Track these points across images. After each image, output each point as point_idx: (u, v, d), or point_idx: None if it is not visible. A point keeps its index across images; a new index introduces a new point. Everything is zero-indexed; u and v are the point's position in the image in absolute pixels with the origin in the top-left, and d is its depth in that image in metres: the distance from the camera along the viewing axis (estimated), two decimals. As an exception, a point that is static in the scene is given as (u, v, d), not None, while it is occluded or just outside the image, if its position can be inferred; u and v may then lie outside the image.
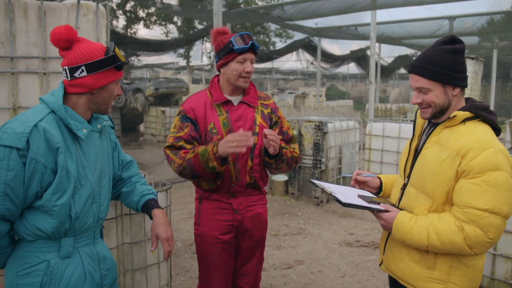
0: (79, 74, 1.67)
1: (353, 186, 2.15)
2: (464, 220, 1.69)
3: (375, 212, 1.86)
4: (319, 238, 5.36)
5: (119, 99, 13.85)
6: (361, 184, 2.12)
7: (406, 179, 1.94)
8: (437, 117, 1.86)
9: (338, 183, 7.17)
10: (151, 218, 1.94)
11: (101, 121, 1.84)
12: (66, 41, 1.67)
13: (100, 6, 3.42)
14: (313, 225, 5.90)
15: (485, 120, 1.78)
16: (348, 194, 1.91)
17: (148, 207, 1.95)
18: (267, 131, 2.27)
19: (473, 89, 9.40)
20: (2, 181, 1.54)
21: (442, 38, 1.84)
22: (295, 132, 7.06)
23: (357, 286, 4.06)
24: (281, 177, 7.31)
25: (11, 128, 1.57)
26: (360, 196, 1.91)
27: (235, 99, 2.48)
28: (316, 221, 6.07)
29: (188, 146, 2.37)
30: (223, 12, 13.80)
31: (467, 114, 1.76)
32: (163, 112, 13.88)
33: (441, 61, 1.77)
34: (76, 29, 3.38)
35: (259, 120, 2.47)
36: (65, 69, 1.69)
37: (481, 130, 1.75)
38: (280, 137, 2.44)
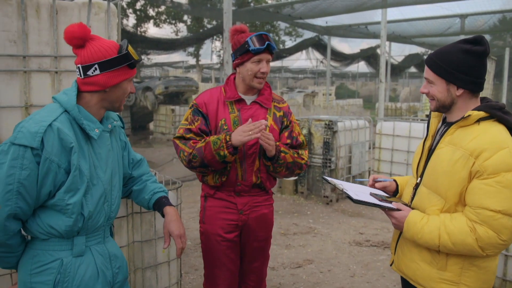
0: (92, 73, 1.68)
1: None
2: (477, 221, 1.67)
3: (387, 210, 1.85)
4: (328, 237, 5.35)
5: (129, 98, 13.92)
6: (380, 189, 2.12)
7: (419, 178, 1.92)
8: (441, 111, 1.87)
9: (348, 171, 7.14)
10: (163, 215, 1.94)
11: (112, 121, 1.85)
12: (79, 39, 1.67)
13: (111, 4, 3.44)
14: (323, 224, 5.88)
15: (500, 120, 1.75)
16: (360, 191, 1.91)
17: (160, 204, 1.96)
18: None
19: (484, 88, 9.31)
20: (16, 179, 1.55)
21: (469, 37, 1.79)
22: (305, 131, 7.06)
23: (366, 286, 4.05)
24: (291, 176, 7.29)
25: (26, 128, 1.57)
26: (372, 194, 1.90)
27: (249, 99, 2.48)
28: (325, 220, 6.05)
29: (197, 139, 2.38)
30: (233, 10, 13.80)
31: (481, 114, 1.73)
32: (173, 110, 13.92)
33: (451, 58, 1.75)
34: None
35: (270, 122, 2.47)
36: (79, 67, 1.70)
37: (495, 130, 1.72)
38: (277, 142, 2.42)
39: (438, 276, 1.81)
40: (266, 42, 2.33)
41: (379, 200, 1.85)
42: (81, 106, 1.70)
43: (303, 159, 2.52)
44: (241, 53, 2.37)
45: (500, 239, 1.65)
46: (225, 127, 2.39)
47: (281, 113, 2.54)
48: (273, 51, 2.40)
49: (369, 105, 27.73)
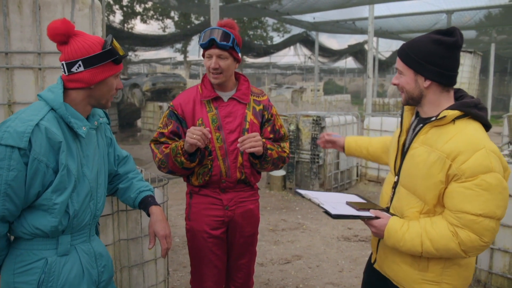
0: (76, 69, 1.64)
1: (324, 147, 2.41)
2: (458, 225, 1.63)
3: (366, 220, 1.80)
4: (317, 233, 5.36)
5: (117, 95, 13.79)
6: (328, 143, 2.30)
7: (397, 176, 1.88)
8: (411, 104, 1.83)
9: (336, 178, 7.17)
10: (148, 215, 1.92)
11: (98, 117, 1.82)
12: (62, 35, 1.64)
13: (96, 0, 3.40)
14: (311, 220, 5.90)
15: (475, 118, 1.70)
16: (336, 202, 1.86)
17: (146, 204, 1.93)
18: (240, 140, 2.25)
19: (471, 83, 9.39)
20: (3, 181, 1.51)
21: (443, 29, 1.75)
22: (293, 127, 7.07)
23: (355, 280, 4.06)
24: (279, 172, 7.30)
25: (12, 127, 1.53)
26: (348, 203, 1.86)
27: (226, 95, 2.45)
28: (314, 216, 6.07)
29: (170, 143, 2.38)
30: (220, 6, 13.73)
31: (456, 113, 1.68)
32: (161, 107, 13.82)
33: (420, 48, 1.70)
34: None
35: (249, 116, 2.44)
36: (63, 64, 1.66)
37: (471, 130, 1.66)
38: (263, 139, 2.41)
39: (420, 277, 1.79)
40: (209, 37, 2.27)
41: (357, 210, 1.80)
42: (68, 104, 1.66)
43: (285, 152, 2.52)
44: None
45: (482, 242, 1.62)
46: (203, 127, 2.34)
47: (261, 107, 2.51)
48: (223, 47, 2.29)
49: (357, 101, 27.86)
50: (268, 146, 2.40)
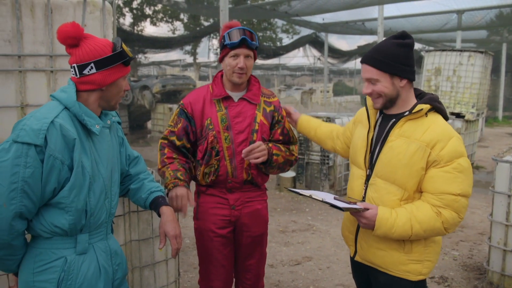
0: (88, 71, 1.67)
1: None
2: (441, 206, 1.84)
3: (356, 212, 1.91)
4: (327, 234, 5.35)
5: (127, 96, 13.89)
6: (286, 112, 2.52)
7: (369, 170, 2.01)
8: (387, 107, 1.97)
9: (346, 179, 7.14)
10: (159, 215, 1.93)
11: (110, 117, 1.85)
12: (73, 38, 1.66)
13: (107, 3, 3.43)
14: (321, 221, 5.88)
15: (438, 111, 1.93)
16: (327, 198, 1.95)
17: (156, 204, 1.95)
18: (244, 152, 2.28)
19: (482, 84, 9.30)
20: (20, 178, 1.53)
21: (394, 34, 1.95)
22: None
23: (365, 282, 4.04)
24: (289, 174, 7.30)
25: (28, 125, 1.56)
26: (337, 199, 1.95)
27: (236, 95, 2.46)
28: (324, 217, 6.05)
29: (178, 143, 2.43)
30: (229, 8, 13.76)
31: (428, 107, 1.89)
32: (170, 109, 13.88)
33: (390, 53, 1.87)
34: (82, 26, 3.38)
35: (259, 117, 2.44)
36: (74, 66, 1.69)
37: (441, 121, 1.91)
38: (270, 144, 2.43)
39: (406, 258, 1.95)
40: (241, 37, 2.29)
41: (348, 203, 1.91)
42: (81, 103, 1.69)
43: (293, 155, 2.52)
44: (221, 48, 2.38)
45: (459, 218, 1.86)
46: (211, 127, 2.38)
47: (272, 108, 2.51)
48: (252, 46, 2.34)
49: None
50: (274, 152, 2.40)
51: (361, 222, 1.92)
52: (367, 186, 2.02)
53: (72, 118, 1.65)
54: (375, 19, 14.48)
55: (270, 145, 2.41)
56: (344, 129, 2.41)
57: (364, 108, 2.14)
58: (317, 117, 7.02)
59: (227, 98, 2.43)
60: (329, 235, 5.29)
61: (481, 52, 9.20)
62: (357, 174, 2.08)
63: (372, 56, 1.91)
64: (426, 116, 1.90)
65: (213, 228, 2.42)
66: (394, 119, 1.95)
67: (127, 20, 23.49)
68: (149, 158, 10.69)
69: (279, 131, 2.50)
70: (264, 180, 2.55)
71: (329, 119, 6.84)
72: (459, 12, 16.32)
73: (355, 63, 33.96)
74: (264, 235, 2.59)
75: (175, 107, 13.85)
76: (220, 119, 2.39)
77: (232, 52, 2.33)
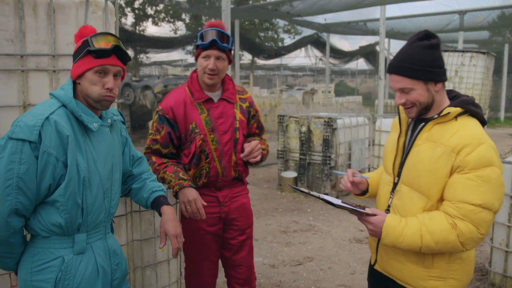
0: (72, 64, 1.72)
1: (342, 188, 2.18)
2: (457, 216, 1.67)
3: (364, 216, 1.79)
4: (328, 234, 5.34)
5: (128, 96, 13.89)
6: (354, 185, 2.08)
7: (396, 177, 1.89)
8: (423, 115, 1.82)
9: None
10: (160, 215, 1.93)
11: (111, 115, 1.84)
12: (77, 38, 1.74)
13: (109, 3, 3.43)
14: (323, 221, 5.88)
15: (473, 114, 1.78)
16: (334, 200, 1.86)
17: (157, 203, 1.95)
18: (245, 154, 2.40)
19: (484, 84, 9.30)
20: (15, 174, 1.53)
21: (416, 35, 1.79)
22: (304, 129, 7.05)
23: (367, 283, 4.04)
24: (290, 174, 7.30)
25: (23, 122, 1.56)
26: (345, 202, 1.85)
27: (215, 95, 2.48)
28: (325, 218, 6.05)
29: (164, 151, 2.41)
30: (231, 8, 13.75)
31: (459, 110, 1.75)
32: (172, 109, 13.89)
33: (419, 58, 1.73)
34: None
35: (238, 115, 2.51)
36: None
37: (472, 125, 1.74)
38: (258, 139, 2.60)
39: (426, 274, 1.81)
40: (211, 38, 2.28)
41: (354, 207, 1.79)
42: (79, 101, 1.70)
43: (267, 145, 2.68)
44: (196, 48, 2.38)
45: (479, 233, 1.66)
46: (197, 130, 2.39)
47: (247, 103, 2.58)
48: (224, 49, 2.32)
49: (368, 102, 27.72)
50: (263, 147, 2.52)
51: (368, 228, 1.81)
52: (393, 194, 1.90)
53: (69, 115, 1.65)
54: (377, 20, 14.46)
55: (258, 141, 2.52)
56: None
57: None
58: (319, 117, 7.02)
59: (208, 100, 2.44)
60: (331, 236, 5.29)
61: (483, 53, 9.20)
62: (385, 180, 1.97)
63: (401, 65, 1.75)
64: (456, 120, 1.76)
65: (204, 226, 2.46)
66: (423, 123, 1.82)
67: (129, 20, 23.52)
68: (150, 158, 10.70)
69: (255, 125, 2.63)
70: (247, 175, 2.66)
71: (330, 119, 6.83)
72: (461, 13, 16.29)
73: (357, 64, 33.95)
74: (251, 228, 2.68)
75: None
76: (205, 122, 2.40)
77: (204, 53, 2.34)
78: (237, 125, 2.48)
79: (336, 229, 5.52)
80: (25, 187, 1.56)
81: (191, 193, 2.25)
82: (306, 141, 7.10)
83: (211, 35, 2.30)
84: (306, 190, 1.92)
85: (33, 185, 1.57)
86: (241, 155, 2.44)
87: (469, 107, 1.76)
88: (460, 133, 1.71)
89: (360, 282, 4.04)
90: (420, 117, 1.84)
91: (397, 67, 1.76)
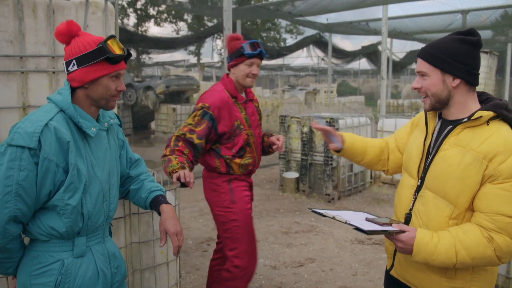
0: (71, 68, 1.65)
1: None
2: (493, 229, 1.57)
3: (394, 235, 1.67)
4: (330, 235, 5.32)
5: (130, 97, 13.89)
6: (325, 134, 2.12)
7: (419, 181, 1.79)
8: (437, 109, 1.75)
9: (349, 180, 7.10)
10: (159, 214, 1.91)
11: (108, 119, 1.82)
12: (64, 35, 1.66)
13: (109, 3, 3.42)
14: (324, 222, 5.85)
15: (506, 119, 1.65)
16: (357, 219, 1.77)
17: (156, 203, 1.92)
18: (279, 146, 2.93)
19: (487, 84, 9.25)
20: (14, 181, 1.52)
21: (462, 30, 1.73)
22: (306, 129, 7.03)
23: (369, 284, 4.02)
24: (292, 174, 7.27)
25: (22, 128, 1.55)
26: (369, 219, 1.77)
27: (243, 97, 2.93)
28: (327, 219, 6.01)
29: (197, 141, 2.66)
30: (233, 8, 13.73)
31: (491, 114, 1.63)
32: (174, 109, 13.90)
33: (446, 47, 1.67)
34: (85, 27, 3.37)
35: (257, 113, 3.03)
36: (63, 64, 1.71)
37: (505, 131, 1.62)
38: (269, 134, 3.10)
39: (448, 285, 1.73)
40: (258, 49, 2.76)
41: (381, 225, 1.70)
42: (76, 105, 1.68)
43: None
44: (236, 56, 2.78)
45: None
46: (241, 127, 2.82)
47: (257, 103, 3.08)
48: (264, 57, 2.83)
49: (370, 102, 27.68)
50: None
51: (398, 246, 1.69)
52: (416, 198, 1.80)
53: (68, 120, 1.63)
54: (379, 19, 14.42)
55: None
56: (396, 138, 2.14)
57: (423, 111, 1.91)
58: (321, 117, 6.98)
59: (245, 101, 2.90)
60: (333, 236, 5.26)
61: (486, 52, 9.15)
62: (407, 183, 1.86)
63: (427, 50, 1.71)
64: (488, 125, 1.64)
65: (248, 206, 2.90)
66: (451, 126, 1.71)
67: (131, 20, 23.55)
68: (152, 158, 10.70)
69: (260, 122, 3.09)
70: None
71: (332, 120, 6.80)
72: (464, 12, 16.24)
73: (359, 63, 33.93)
74: None
75: (178, 107, 13.86)
76: (245, 119, 2.85)
77: (248, 61, 2.76)
78: (259, 121, 3.01)
79: (337, 230, 5.49)
80: (24, 194, 1.54)
81: (187, 171, 2.32)
82: (308, 142, 7.08)
83: (257, 46, 2.77)
84: (331, 215, 1.76)
85: (32, 192, 1.55)
86: (274, 147, 2.95)
87: (501, 112, 1.64)
88: (492, 139, 1.60)
89: (362, 284, 4.02)
90: (447, 119, 1.75)
91: (423, 50, 1.73)
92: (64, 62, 1.70)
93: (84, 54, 1.64)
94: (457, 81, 1.67)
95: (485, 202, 1.59)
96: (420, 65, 1.73)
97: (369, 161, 2.16)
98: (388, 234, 1.68)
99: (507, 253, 1.58)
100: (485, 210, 1.59)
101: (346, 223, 1.67)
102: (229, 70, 2.90)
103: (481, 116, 1.62)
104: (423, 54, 1.73)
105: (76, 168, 1.61)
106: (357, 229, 1.62)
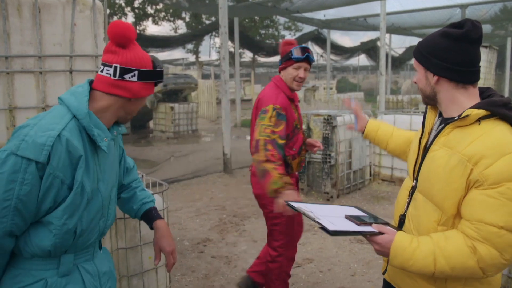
0: (130, 77, 1.56)
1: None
2: (477, 238, 1.43)
3: (368, 236, 1.58)
4: (328, 235, 5.23)
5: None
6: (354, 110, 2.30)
7: (415, 181, 1.70)
8: (429, 104, 1.69)
9: (348, 178, 7.03)
10: (151, 228, 1.84)
11: (116, 128, 1.71)
12: (128, 38, 1.56)
13: (97, 1, 3.33)
14: (323, 221, 5.77)
15: (504, 118, 1.50)
16: (334, 215, 1.67)
17: (150, 217, 1.85)
18: (317, 148, 3.18)
19: (486, 79, 9.16)
20: (15, 195, 1.37)
21: (457, 22, 1.60)
22: (304, 127, 6.94)
23: (368, 285, 3.94)
24: (290, 173, 7.19)
25: (31, 137, 1.38)
26: (348, 217, 1.65)
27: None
28: (326, 217, 5.94)
29: (280, 141, 2.81)
30: (231, 6, 13.64)
31: (481, 112, 1.48)
32: (172, 108, 13.82)
33: (427, 42, 1.61)
34: (72, 26, 3.29)
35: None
36: (116, 66, 1.55)
37: (498, 132, 1.46)
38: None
39: None
40: (306, 54, 2.89)
41: (358, 225, 1.59)
42: (92, 112, 1.54)
43: None
44: (286, 60, 2.95)
45: (503, 259, 1.42)
46: (298, 126, 3.07)
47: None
48: (312, 62, 2.97)
49: (370, 98, 27.58)
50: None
51: (374, 248, 1.60)
52: (410, 200, 1.71)
53: (81, 129, 1.49)
54: (378, 15, 14.32)
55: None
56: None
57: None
58: (318, 115, 6.91)
59: (294, 101, 3.06)
60: (331, 236, 5.18)
61: (486, 47, 9.06)
62: (406, 184, 1.78)
63: (417, 45, 1.66)
64: (479, 124, 1.49)
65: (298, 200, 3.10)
66: (442, 125, 1.61)
67: (129, 19, 23.43)
68: (150, 158, 10.63)
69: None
70: None
71: (330, 117, 6.72)
72: (463, 7, 16.13)
73: (359, 60, 33.82)
74: None
75: (177, 106, 13.78)
76: (298, 120, 3.07)
77: (296, 65, 2.91)
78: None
79: (336, 229, 5.41)
80: (23, 209, 1.40)
81: (293, 195, 2.46)
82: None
83: (305, 51, 2.89)
84: (302, 211, 1.67)
85: (32, 207, 1.41)
86: (315, 149, 3.18)
87: (496, 109, 1.48)
88: (480, 141, 1.46)
89: (360, 284, 3.94)
90: (445, 117, 1.64)
91: (416, 45, 1.69)
92: (118, 65, 1.56)
93: (148, 71, 1.60)
94: (436, 77, 1.59)
95: (469, 208, 1.46)
96: (414, 60, 1.70)
97: (392, 150, 2.18)
98: (362, 234, 1.57)
99: (492, 266, 1.44)
100: (469, 217, 1.46)
101: (314, 220, 1.56)
102: (279, 72, 3.06)
103: (468, 115, 1.49)
104: (415, 49, 1.69)
105: (81, 185, 1.48)
106: (323, 228, 1.52)
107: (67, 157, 1.43)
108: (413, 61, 1.71)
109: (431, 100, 1.66)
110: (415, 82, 1.71)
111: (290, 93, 2.99)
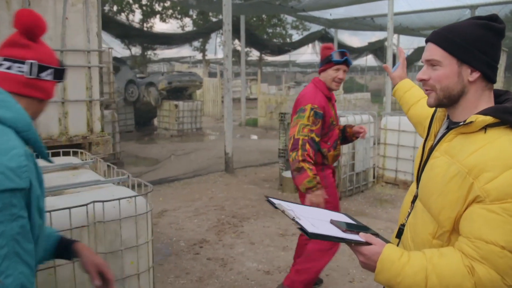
0: (46, 76, 1.38)
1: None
2: (476, 258, 1.26)
3: (352, 245, 1.39)
4: (328, 238, 5.12)
5: (132, 93, 13.75)
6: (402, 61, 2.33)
7: (417, 188, 1.53)
8: (444, 106, 1.45)
9: (351, 180, 6.89)
10: (70, 256, 1.56)
11: None
12: (42, 30, 1.39)
13: (90, -5, 3.24)
14: (324, 224, 5.65)
15: None
16: (318, 219, 1.50)
17: (67, 242, 1.55)
18: (363, 134, 3.41)
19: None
20: (10, 237, 1.14)
21: (483, 15, 1.41)
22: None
23: (366, 291, 3.82)
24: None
25: (2, 164, 1.15)
26: (333, 222, 1.47)
27: None
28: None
29: (317, 139, 3.14)
30: (238, 4, 13.52)
31: (488, 119, 1.31)
32: (176, 106, 13.74)
33: (466, 32, 1.35)
34: (63, 19, 3.20)
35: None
36: (32, 63, 1.34)
37: (505, 141, 1.29)
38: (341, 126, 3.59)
39: None
40: (345, 57, 3.20)
41: (343, 231, 1.41)
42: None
43: None
44: (326, 63, 3.25)
45: (504, 283, 1.25)
46: (334, 123, 3.34)
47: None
48: (350, 65, 3.26)
49: (377, 99, 27.36)
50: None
51: (359, 260, 1.42)
52: (412, 208, 1.55)
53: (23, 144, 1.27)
54: (385, 15, 14.15)
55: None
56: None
57: None
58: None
59: (330, 100, 3.34)
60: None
61: (494, 48, 8.89)
62: (411, 188, 1.61)
63: (441, 33, 1.39)
64: (485, 132, 1.32)
65: (336, 190, 3.42)
66: (446, 130, 1.44)
67: (137, 16, 23.44)
68: (153, 155, 10.55)
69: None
70: None
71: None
72: (473, 8, 15.90)
73: (366, 60, 33.56)
74: None
75: (181, 104, 13.70)
76: (335, 117, 3.36)
77: (336, 67, 3.22)
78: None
79: (337, 232, 5.29)
80: (22, 252, 1.18)
81: (323, 194, 3.00)
82: (308, 140, 6.87)
83: (343, 55, 3.21)
84: (282, 209, 1.48)
85: (30, 245, 1.21)
86: (361, 135, 3.40)
87: (506, 117, 1.30)
88: (483, 151, 1.29)
89: (358, 291, 3.82)
90: (453, 120, 1.46)
91: (435, 33, 1.42)
92: (36, 62, 1.36)
93: (61, 69, 1.44)
94: (476, 74, 1.36)
95: (468, 224, 1.29)
96: (431, 51, 1.42)
97: (410, 117, 2.11)
98: (346, 242, 1.39)
99: None
100: (467, 233, 1.29)
101: (293, 220, 1.40)
102: (319, 74, 3.37)
103: (473, 122, 1.32)
104: (436, 39, 1.41)
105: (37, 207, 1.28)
106: (301, 229, 1.35)
107: (36, 172, 1.27)
108: (428, 53, 1.43)
109: (451, 102, 1.43)
110: (424, 80, 1.45)
111: (328, 92, 3.29)
